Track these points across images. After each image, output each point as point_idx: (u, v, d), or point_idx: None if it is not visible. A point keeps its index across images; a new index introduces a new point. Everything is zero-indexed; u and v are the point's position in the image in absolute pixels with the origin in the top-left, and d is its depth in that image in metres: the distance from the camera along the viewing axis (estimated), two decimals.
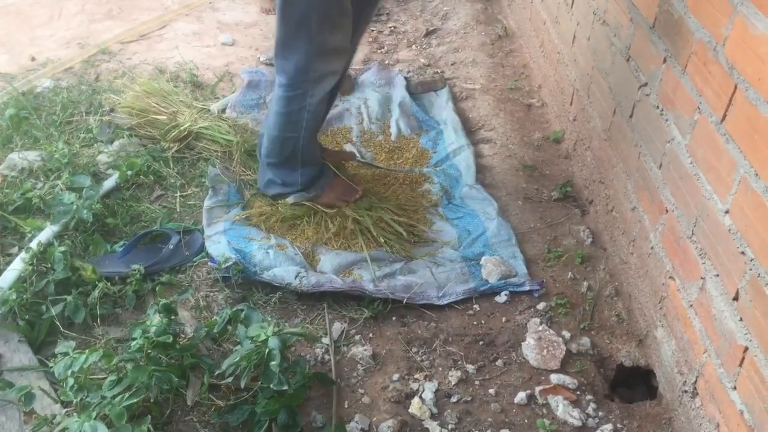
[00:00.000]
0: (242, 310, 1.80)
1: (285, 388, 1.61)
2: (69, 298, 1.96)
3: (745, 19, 1.47)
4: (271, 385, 1.60)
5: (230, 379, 1.69)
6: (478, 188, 2.56)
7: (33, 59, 3.31)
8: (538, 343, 1.98)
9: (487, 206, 2.47)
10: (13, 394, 1.69)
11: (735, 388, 1.51)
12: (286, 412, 1.68)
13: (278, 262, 2.16)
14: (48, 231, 2.19)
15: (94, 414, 1.50)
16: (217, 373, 1.72)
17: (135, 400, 1.59)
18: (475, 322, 2.08)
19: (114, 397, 1.57)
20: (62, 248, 2.07)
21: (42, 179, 2.46)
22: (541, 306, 2.12)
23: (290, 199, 2.39)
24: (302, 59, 2.08)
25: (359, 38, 2.36)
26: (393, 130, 2.93)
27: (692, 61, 1.72)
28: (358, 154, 2.73)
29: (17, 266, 2.04)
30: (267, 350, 1.62)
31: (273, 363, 1.61)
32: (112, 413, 1.53)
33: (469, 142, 2.80)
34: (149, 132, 2.72)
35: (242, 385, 1.65)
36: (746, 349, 1.46)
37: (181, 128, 2.63)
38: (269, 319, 2.03)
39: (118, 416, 1.53)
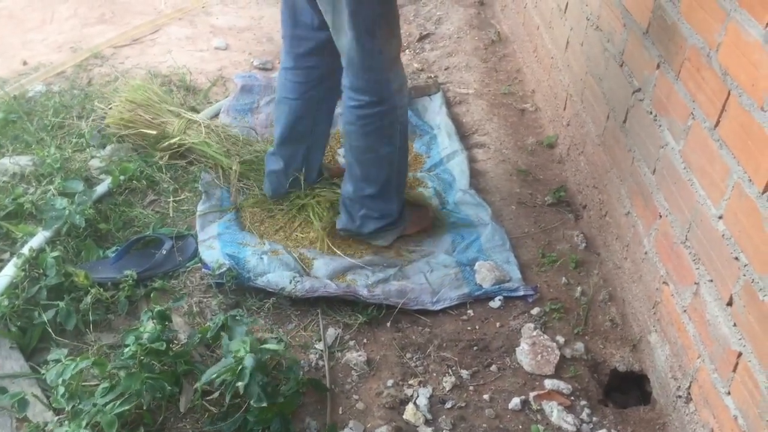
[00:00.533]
0: (234, 316, 1.79)
1: (264, 404, 1.59)
2: (61, 304, 1.95)
3: (738, 25, 1.48)
4: (252, 402, 1.59)
5: (216, 395, 1.68)
6: (472, 193, 2.56)
7: (25, 63, 3.30)
8: (532, 349, 1.98)
9: (480, 211, 2.47)
10: (6, 400, 1.67)
11: (729, 393, 1.52)
12: (279, 420, 1.67)
13: (272, 268, 2.16)
14: (40, 236, 2.18)
15: (84, 422, 1.49)
16: (196, 386, 1.70)
17: (127, 408, 1.58)
18: (469, 328, 2.08)
19: (106, 404, 1.56)
20: (54, 254, 2.05)
21: (34, 184, 2.45)
22: (535, 311, 2.12)
23: (383, 242, 2.33)
24: (381, 74, 2.05)
25: None
26: None
27: (686, 66, 1.73)
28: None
29: (9, 272, 2.03)
30: (240, 368, 1.61)
31: (240, 383, 1.59)
32: (103, 421, 1.52)
33: (462, 147, 2.80)
34: (140, 142, 2.70)
35: (227, 401, 1.64)
36: (740, 354, 1.47)
37: (171, 141, 2.61)
38: (262, 322, 2.03)
39: (109, 424, 1.52)
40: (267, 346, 1.67)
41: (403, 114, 2.17)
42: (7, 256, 2.18)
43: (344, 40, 2.01)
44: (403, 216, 2.33)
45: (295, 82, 2.30)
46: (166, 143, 2.62)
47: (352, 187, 2.25)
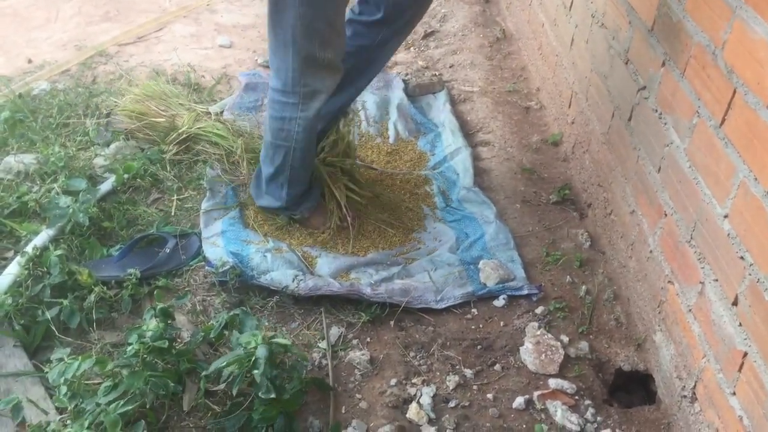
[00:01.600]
0: (238, 315, 1.79)
1: (273, 396, 1.59)
2: (65, 302, 1.95)
3: (744, 23, 1.47)
4: (260, 394, 1.59)
5: (224, 386, 1.68)
6: (476, 191, 2.55)
7: (30, 61, 3.30)
8: (536, 348, 1.97)
9: (485, 209, 2.46)
10: (2, 406, 1.67)
11: (734, 393, 1.51)
12: (283, 418, 1.67)
13: (276, 266, 2.16)
14: (44, 235, 2.18)
15: (87, 422, 1.49)
16: (204, 373, 1.70)
17: (130, 407, 1.58)
18: (473, 327, 2.08)
19: (109, 403, 1.56)
20: (58, 252, 2.05)
21: (38, 182, 2.45)
22: (539, 310, 2.11)
23: (279, 219, 2.40)
24: (291, 69, 2.07)
25: (379, 66, 2.39)
26: (391, 132, 2.92)
27: (691, 64, 1.71)
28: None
29: (13, 270, 2.03)
30: (253, 359, 1.61)
31: (256, 372, 1.59)
32: (106, 420, 1.52)
33: (466, 144, 2.79)
34: (148, 135, 2.71)
35: (234, 392, 1.64)
36: (745, 354, 1.46)
37: (180, 131, 2.62)
38: (266, 323, 2.03)
39: (112, 423, 1.52)
40: (277, 340, 1.67)
41: (304, 119, 2.16)
42: (11, 254, 2.18)
43: (271, 38, 2.08)
44: (299, 205, 2.36)
45: None
46: (176, 134, 2.63)
47: (261, 161, 2.34)
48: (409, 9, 2.26)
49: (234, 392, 1.65)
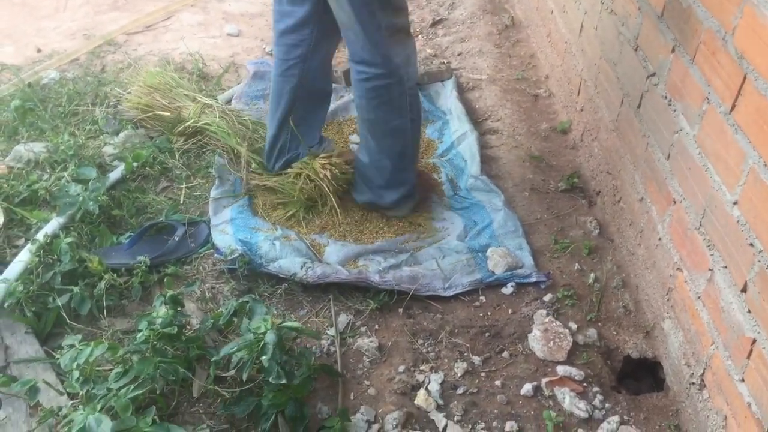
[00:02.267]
0: (247, 302, 1.80)
1: (283, 381, 1.60)
2: (75, 289, 1.96)
3: (754, 7, 1.46)
4: (270, 379, 1.60)
5: (233, 372, 1.69)
6: (484, 179, 2.54)
7: (39, 51, 3.31)
8: (544, 335, 1.98)
9: (493, 197, 2.46)
10: (17, 387, 1.69)
11: (743, 380, 1.50)
12: (294, 404, 1.68)
13: (284, 254, 2.16)
14: (54, 223, 2.19)
15: (99, 406, 1.50)
16: (214, 359, 1.72)
17: (140, 392, 1.59)
18: (481, 314, 2.08)
19: (120, 389, 1.57)
20: (68, 240, 2.07)
21: (48, 171, 2.46)
22: (547, 297, 2.11)
23: (400, 213, 2.38)
24: (381, 48, 2.06)
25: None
26: None
27: (701, 50, 1.70)
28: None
29: (24, 258, 2.04)
30: (262, 344, 1.62)
31: (264, 357, 1.60)
32: (117, 405, 1.53)
33: (472, 128, 2.79)
34: (156, 125, 2.72)
35: (244, 378, 1.65)
36: (754, 341, 1.45)
37: (186, 124, 2.62)
38: (275, 311, 2.03)
39: (123, 408, 1.53)
40: (287, 324, 1.68)
41: (411, 86, 2.18)
42: (21, 242, 2.19)
43: (342, 15, 2.04)
44: (416, 186, 2.37)
45: (277, 58, 2.33)
46: (182, 127, 2.63)
47: (368, 158, 2.29)
48: None
49: (244, 377, 1.65)
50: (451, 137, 2.78)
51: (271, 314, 1.73)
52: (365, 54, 2.09)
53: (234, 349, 1.64)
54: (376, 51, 2.07)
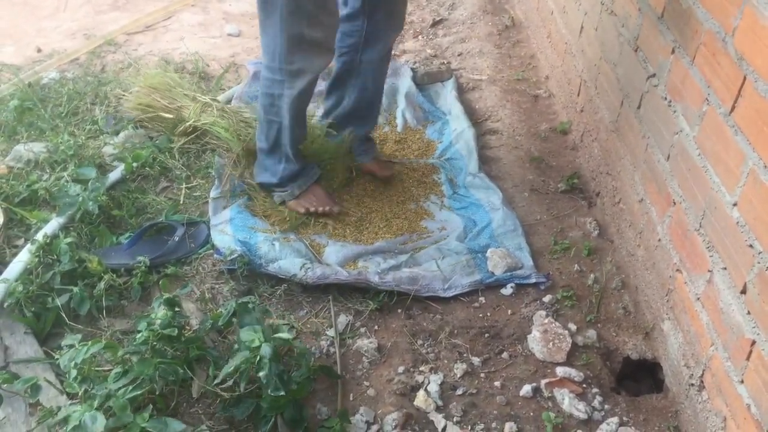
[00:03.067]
0: (245, 303, 1.79)
1: (282, 393, 1.60)
2: (75, 289, 1.96)
3: (754, 9, 1.45)
4: (269, 392, 1.60)
5: (230, 382, 1.68)
6: (482, 177, 2.54)
7: (39, 50, 3.31)
8: (543, 336, 1.98)
9: (491, 195, 2.46)
10: (19, 385, 1.69)
11: (742, 381, 1.50)
12: (292, 407, 1.68)
13: (284, 254, 2.16)
14: (54, 223, 2.19)
15: (96, 404, 1.51)
16: (215, 381, 1.71)
17: (139, 392, 1.59)
18: (480, 315, 2.08)
19: (119, 389, 1.57)
20: (68, 240, 2.07)
21: (48, 171, 2.46)
22: (547, 298, 2.11)
23: (277, 198, 2.40)
24: (279, 46, 2.08)
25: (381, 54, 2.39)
26: (399, 121, 2.91)
27: (701, 51, 1.70)
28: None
29: (23, 258, 2.04)
30: (258, 358, 1.61)
31: (262, 373, 1.59)
32: (115, 405, 1.53)
33: (469, 125, 2.79)
34: (156, 125, 2.72)
35: (241, 389, 1.65)
36: (753, 342, 1.45)
37: (187, 124, 2.62)
38: (273, 314, 2.03)
39: (121, 408, 1.53)
40: (279, 335, 1.68)
41: (292, 96, 2.17)
42: (21, 242, 2.19)
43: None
44: (293, 183, 2.37)
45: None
46: (182, 127, 2.63)
47: (257, 138, 2.38)
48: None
49: (242, 388, 1.65)
50: (450, 136, 2.79)
51: (262, 320, 1.72)
52: (266, 44, 2.13)
53: (231, 369, 1.63)
54: (273, 46, 2.09)
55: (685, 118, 1.79)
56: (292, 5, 1.98)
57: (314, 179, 2.41)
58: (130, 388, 1.58)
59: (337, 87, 2.48)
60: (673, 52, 1.87)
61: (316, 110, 2.89)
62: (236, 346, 1.73)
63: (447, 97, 3.04)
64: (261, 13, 2.08)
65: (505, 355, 1.96)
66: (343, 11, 2.29)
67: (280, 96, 2.19)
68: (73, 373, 1.61)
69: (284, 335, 1.68)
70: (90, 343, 1.62)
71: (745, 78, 1.49)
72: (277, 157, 2.34)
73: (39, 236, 2.10)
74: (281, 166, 2.35)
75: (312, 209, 2.37)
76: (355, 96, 2.45)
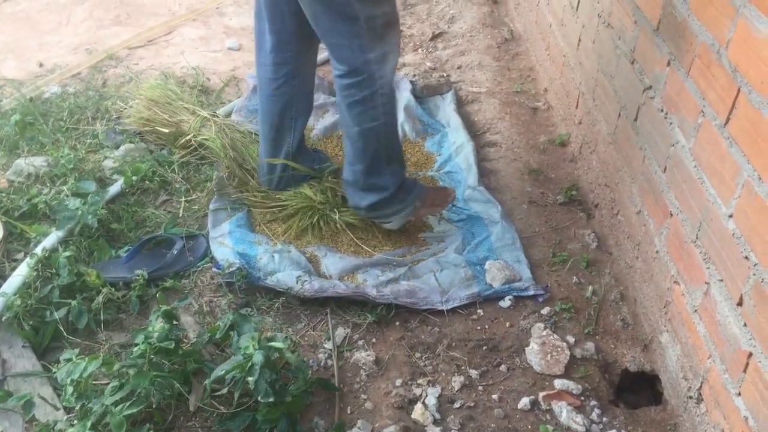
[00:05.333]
0: (242, 314, 1.80)
1: (271, 399, 1.60)
2: (73, 303, 1.97)
3: (747, 21, 1.46)
4: (259, 398, 1.60)
5: (226, 390, 1.68)
6: (481, 190, 2.55)
7: (41, 65, 3.34)
8: (542, 348, 1.97)
9: (490, 209, 2.46)
10: (14, 402, 1.69)
11: (739, 394, 1.50)
12: (286, 420, 1.67)
13: (283, 266, 2.16)
14: (53, 236, 2.20)
15: (90, 423, 1.50)
16: (206, 382, 1.71)
17: (136, 409, 1.59)
18: (478, 327, 2.07)
19: (115, 404, 1.57)
20: (67, 254, 2.07)
21: (48, 185, 2.48)
22: (545, 311, 2.11)
23: (395, 225, 2.31)
24: (355, 41, 1.99)
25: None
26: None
27: (696, 64, 1.71)
28: None
29: (22, 272, 2.05)
30: (249, 364, 1.61)
31: (251, 378, 1.59)
32: (112, 422, 1.53)
33: (469, 138, 2.80)
34: (157, 139, 2.73)
35: (236, 397, 1.65)
36: (750, 354, 1.45)
37: (187, 138, 2.63)
38: (271, 321, 2.03)
39: (117, 425, 1.53)
40: (273, 343, 1.68)
41: (384, 85, 2.09)
42: (20, 256, 2.20)
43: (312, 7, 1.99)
44: (404, 195, 2.27)
45: (264, 78, 2.32)
46: (183, 140, 2.64)
47: (347, 159, 2.24)
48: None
49: (236, 397, 1.65)
50: (450, 149, 2.79)
51: (259, 332, 1.72)
52: (341, 50, 2.04)
53: (222, 373, 1.64)
54: (350, 45, 2.01)
55: (681, 130, 1.79)
56: None
57: (421, 183, 2.34)
58: (127, 404, 1.58)
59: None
60: (668, 64, 1.87)
61: (315, 123, 2.91)
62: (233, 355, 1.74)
63: (446, 109, 3.05)
64: (325, 18, 1.99)
65: (503, 367, 1.96)
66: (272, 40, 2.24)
67: (372, 95, 2.07)
68: (70, 389, 1.61)
69: (278, 344, 1.68)
70: (87, 359, 1.62)
71: (739, 90, 1.50)
72: (378, 170, 2.19)
73: (38, 250, 2.11)
74: (386, 175, 2.21)
75: (445, 204, 2.36)
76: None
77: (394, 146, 2.22)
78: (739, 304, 1.49)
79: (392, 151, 2.22)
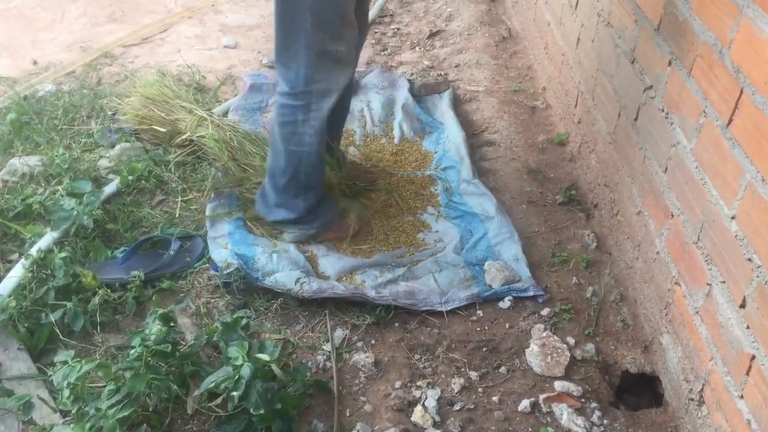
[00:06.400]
0: (227, 323, 1.77)
1: (262, 412, 1.58)
2: (69, 304, 1.95)
3: (751, 22, 1.45)
4: (251, 410, 1.58)
5: (223, 397, 1.67)
6: (476, 183, 2.54)
7: (35, 63, 3.31)
8: (542, 350, 1.96)
9: (485, 202, 2.45)
10: (12, 403, 1.67)
11: (742, 396, 1.49)
12: (281, 421, 1.66)
13: (281, 267, 2.15)
14: (48, 237, 2.18)
15: (87, 426, 1.49)
16: (196, 393, 1.70)
17: (131, 411, 1.57)
18: (478, 329, 2.06)
19: (111, 407, 1.55)
20: (62, 254, 2.05)
21: (43, 185, 2.45)
22: (545, 312, 2.09)
23: (288, 237, 2.32)
24: (303, 68, 2.02)
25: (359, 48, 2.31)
26: (396, 132, 2.91)
27: (697, 64, 1.70)
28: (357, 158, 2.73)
29: (17, 273, 2.03)
30: (237, 378, 1.60)
31: (234, 393, 1.58)
32: (105, 426, 1.51)
33: (459, 129, 2.82)
34: (153, 138, 2.71)
35: (230, 409, 1.63)
36: (753, 357, 1.44)
37: (183, 137, 2.61)
38: (270, 324, 2.02)
39: (110, 429, 1.51)
40: (260, 356, 1.66)
41: (317, 118, 2.11)
42: (15, 257, 2.18)
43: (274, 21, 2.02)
44: (316, 218, 2.31)
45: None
46: (179, 139, 2.62)
47: (267, 166, 2.27)
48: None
49: (230, 409, 1.63)
50: (444, 144, 2.79)
51: (249, 342, 1.70)
52: (288, 71, 2.06)
53: (212, 385, 1.62)
54: (296, 68, 2.03)
55: (682, 131, 1.78)
56: (316, 17, 1.94)
57: (335, 213, 2.36)
58: (122, 406, 1.56)
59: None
60: (669, 64, 1.86)
61: None
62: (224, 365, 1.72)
63: (443, 108, 3.04)
64: (281, 34, 2.01)
65: (503, 369, 1.94)
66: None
67: (303, 122, 2.11)
68: (66, 392, 1.60)
69: (265, 357, 1.66)
70: (83, 362, 1.61)
71: (742, 91, 1.48)
72: (293, 192, 2.24)
73: (33, 251, 2.09)
74: (299, 199, 2.25)
75: (343, 237, 2.36)
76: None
77: (314, 175, 2.25)
78: (742, 306, 1.48)
79: (310, 179, 2.25)
